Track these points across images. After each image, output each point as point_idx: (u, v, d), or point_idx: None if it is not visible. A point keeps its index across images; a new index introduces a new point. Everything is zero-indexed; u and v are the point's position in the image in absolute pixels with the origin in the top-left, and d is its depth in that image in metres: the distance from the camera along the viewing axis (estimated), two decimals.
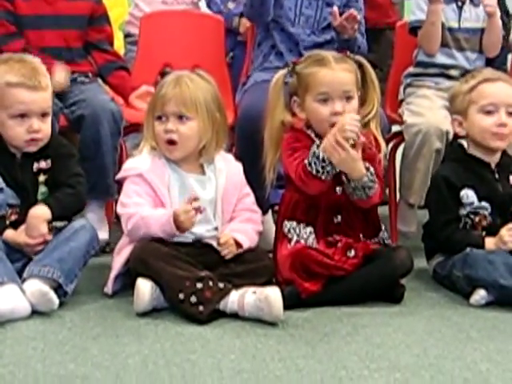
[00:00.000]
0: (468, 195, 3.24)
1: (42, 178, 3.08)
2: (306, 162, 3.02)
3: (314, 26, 3.69)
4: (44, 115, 3.06)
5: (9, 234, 2.97)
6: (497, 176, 3.30)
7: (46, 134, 3.08)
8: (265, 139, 3.20)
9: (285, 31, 3.68)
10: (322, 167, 2.97)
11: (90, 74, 3.59)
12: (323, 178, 3.00)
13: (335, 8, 3.57)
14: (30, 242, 2.93)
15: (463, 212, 3.26)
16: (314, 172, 2.99)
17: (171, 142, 3.07)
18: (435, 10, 3.60)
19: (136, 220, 3.00)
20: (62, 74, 3.43)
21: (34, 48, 3.40)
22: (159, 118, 3.09)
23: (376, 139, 3.20)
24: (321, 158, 2.97)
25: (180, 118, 3.07)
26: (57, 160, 3.10)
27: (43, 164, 3.07)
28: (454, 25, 3.68)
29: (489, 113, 3.24)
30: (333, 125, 3.03)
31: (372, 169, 3.05)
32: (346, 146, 2.93)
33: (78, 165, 3.21)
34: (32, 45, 3.44)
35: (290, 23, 3.67)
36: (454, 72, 3.61)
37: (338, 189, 3.12)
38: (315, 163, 2.98)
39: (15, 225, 3.02)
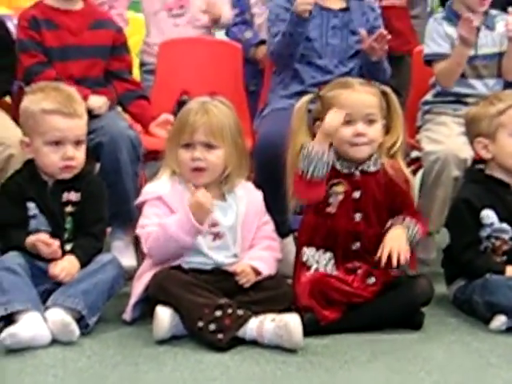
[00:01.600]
0: (489, 215, 3.23)
1: (69, 208, 3.10)
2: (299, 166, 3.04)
3: (341, 55, 3.71)
4: (78, 143, 3.09)
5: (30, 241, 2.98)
6: None
7: (80, 162, 3.10)
8: (287, 164, 3.18)
9: (311, 63, 3.70)
10: (309, 162, 2.98)
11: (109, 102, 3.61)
12: (310, 175, 2.98)
13: (363, 31, 3.60)
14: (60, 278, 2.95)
15: (484, 234, 3.24)
16: (303, 171, 3.00)
17: (199, 169, 3.06)
18: (465, 53, 3.60)
19: (155, 232, 3.01)
20: (99, 99, 3.47)
21: (61, 78, 3.44)
22: (186, 145, 3.09)
23: (401, 172, 3.19)
24: (305, 153, 2.99)
25: (207, 146, 3.07)
26: (87, 197, 3.13)
27: (73, 196, 3.09)
28: (471, 53, 3.67)
29: None
30: (353, 144, 3.07)
31: (412, 228, 3.11)
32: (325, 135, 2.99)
33: (106, 206, 3.24)
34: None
35: (316, 55, 3.70)
36: (471, 99, 3.61)
37: (357, 215, 3.11)
38: (303, 161, 2.99)
39: None
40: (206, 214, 2.94)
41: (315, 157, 2.98)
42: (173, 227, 2.95)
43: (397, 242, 3.01)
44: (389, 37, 3.61)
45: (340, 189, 3.10)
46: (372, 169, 3.12)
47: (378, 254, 3.00)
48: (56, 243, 2.96)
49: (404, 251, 2.98)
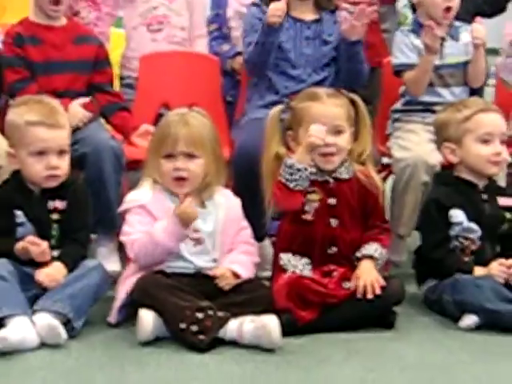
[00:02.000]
0: (457, 215, 3.26)
1: (55, 216, 3.09)
2: (279, 176, 3.06)
3: (314, 64, 3.71)
4: (62, 153, 3.09)
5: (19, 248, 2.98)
6: (485, 197, 3.32)
7: (64, 171, 3.10)
8: (262, 171, 3.22)
9: (285, 73, 3.70)
10: (291, 174, 3.01)
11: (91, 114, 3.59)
12: (292, 186, 3.03)
13: (343, 13, 3.62)
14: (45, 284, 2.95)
15: (452, 233, 3.27)
16: (284, 181, 3.03)
17: (181, 179, 3.10)
18: (430, 60, 3.62)
19: (140, 239, 3.02)
20: (78, 110, 3.46)
21: (43, 92, 3.41)
22: (168, 156, 3.10)
23: (372, 179, 3.22)
24: (288, 164, 3.02)
25: (189, 156, 3.09)
26: (72, 205, 3.13)
27: (58, 204, 3.09)
28: (438, 62, 3.69)
29: (485, 142, 3.27)
30: (323, 155, 3.10)
31: (379, 253, 3.15)
32: (308, 149, 3.02)
33: (91, 214, 3.25)
34: (42, 89, 3.46)
35: (290, 65, 3.70)
36: (439, 107, 3.59)
37: (333, 221, 3.14)
38: (285, 171, 3.03)
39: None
40: (191, 222, 2.96)
41: (298, 170, 3.02)
42: (159, 234, 2.97)
43: (369, 275, 3.04)
44: (369, 10, 3.63)
45: (315, 197, 3.13)
46: (345, 176, 3.16)
47: (352, 288, 3.02)
48: (45, 243, 2.95)
49: (376, 281, 3.02)
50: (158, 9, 4.13)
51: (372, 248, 3.14)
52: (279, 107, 3.27)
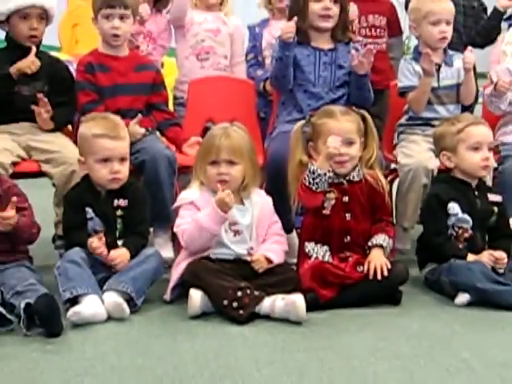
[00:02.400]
0: (454, 207, 3.24)
1: (119, 212, 3.11)
2: (304, 180, 3.06)
3: (331, 84, 3.66)
4: (123, 160, 3.10)
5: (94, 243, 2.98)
6: (476, 194, 3.30)
7: (125, 175, 3.11)
8: (288, 176, 3.21)
9: (307, 91, 3.66)
10: (313, 179, 3.01)
11: (149, 129, 3.60)
12: (314, 188, 3.03)
13: (353, 51, 3.58)
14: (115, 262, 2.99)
15: (449, 222, 3.26)
16: (308, 184, 3.03)
17: (223, 182, 3.08)
18: (428, 82, 3.60)
19: (189, 228, 3.02)
20: (137, 127, 3.44)
21: (109, 111, 3.43)
22: (213, 162, 3.10)
23: (379, 181, 3.21)
24: (311, 170, 3.02)
25: (230, 162, 3.09)
26: (133, 203, 3.15)
27: (121, 202, 3.11)
28: (435, 85, 3.67)
29: (475, 149, 3.25)
30: (339, 162, 3.10)
31: (387, 242, 3.14)
32: (327, 157, 3.01)
33: (149, 210, 3.28)
34: (109, 109, 3.47)
35: (311, 84, 3.65)
36: (436, 122, 3.58)
37: (347, 215, 3.14)
38: (308, 176, 3.03)
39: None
40: (228, 207, 2.94)
41: (319, 175, 3.02)
42: (203, 219, 2.96)
43: (378, 260, 3.04)
44: (374, 51, 3.63)
45: (332, 196, 3.12)
46: (356, 179, 3.16)
47: (365, 271, 3.03)
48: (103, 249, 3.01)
49: (385, 265, 3.02)
50: (205, 41, 4.10)
51: (381, 238, 3.13)
52: (301, 123, 3.26)
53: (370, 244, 3.14)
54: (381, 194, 3.22)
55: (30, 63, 3.39)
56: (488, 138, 3.33)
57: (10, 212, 2.83)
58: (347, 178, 3.16)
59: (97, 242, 2.96)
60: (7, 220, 2.84)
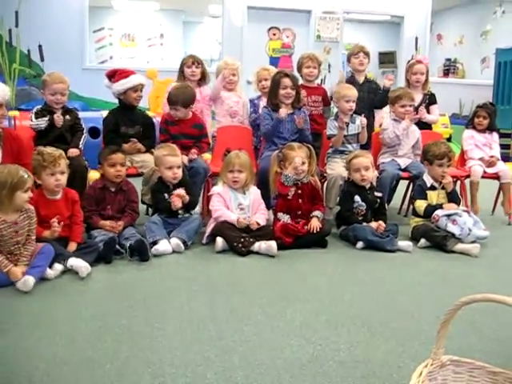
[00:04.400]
0: (356, 198, 3.22)
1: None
2: (281, 180, 3.08)
3: (290, 132, 3.52)
4: (178, 167, 3.07)
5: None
6: (368, 191, 3.25)
7: (180, 176, 3.07)
8: (270, 180, 3.19)
9: (279, 136, 3.52)
10: (285, 178, 3.07)
11: (197, 156, 3.46)
12: (285, 184, 3.07)
13: (297, 119, 3.46)
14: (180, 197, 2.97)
15: (354, 206, 3.22)
16: (282, 181, 3.08)
17: (236, 181, 3.07)
18: (342, 133, 3.48)
19: (219, 212, 3.00)
20: (185, 158, 3.33)
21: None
22: (230, 171, 3.07)
23: (316, 182, 3.21)
24: (285, 174, 3.07)
25: (239, 171, 3.07)
26: (187, 189, 3.08)
27: (181, 191, 3.04)
28: (346, 133, 3.55)
29: (357, 170, 3.21)
30: (298, 172, 3.09)
31: (319, 215, 3.10)
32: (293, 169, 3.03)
33: (196, 193, 3.21)
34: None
35: (280, 132, 3.52)
36: (347, 153, 3.48)
37: (300, 200, 3.12)
38: (283, 177, 3.07)
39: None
40: (242, 225, 2.92)
41: (288, 177, 3.07)
42: (227, 217, 2.96)
43: (315, 223, 3.01)
44: (307, 118, 3.54)
45: (292, 190, 3.10)
46: (305, 181, 3.14)
47: (308, 228, 2.99)
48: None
49: (318, 226, 2.99)
50: (233, 107, 3.90)
51: (317, 212, 3.10)
52: (276, 152, 3.22)
53: (311, 215, 3.09)
54: (317, 190, 3.19)
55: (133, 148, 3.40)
56: (362, 164, 3.19)
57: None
58: (301, 180, 3.13)
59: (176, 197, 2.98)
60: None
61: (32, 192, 2.42)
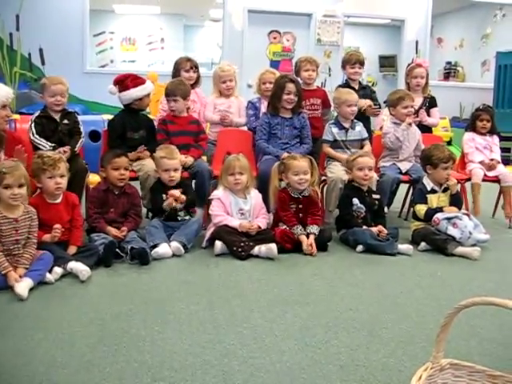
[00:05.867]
0: (355, 201, 3.21)
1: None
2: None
3: (290, 137, 3.52)
4: (176, 170, 3.07)
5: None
6: (366, 194, 3.25)
7: (177, 178, 3.08)
8: (270, 190, 3.17)
9: (277, 142, 3.50)
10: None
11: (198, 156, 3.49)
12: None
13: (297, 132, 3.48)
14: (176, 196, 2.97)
15: (353, 209, 3.22)
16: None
17: (237, 184, 3.06)
18: (342, 160, 3.45)
19: (219, 217, 2.99)
20: (186, 158, 3.34)
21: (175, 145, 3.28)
22: (230, 174, 3.06)
23: (316, 193, 3.22)
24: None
25: (240, 173, 3.06)
26: (186, 190, 3.09)
27: (176, 191, 3.03)
28: (345, 138, 3.56)
29: (361, 169, 3.21)
30: (300, 183, 3.09)
31: (316, 230, 3.04)
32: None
33: (195, 196, 3.19)
34: (174, 143, 3.31)
35: (279, 138, 3.51)
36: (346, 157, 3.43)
37: (300, 215, 3.11)
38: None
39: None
40: (245, 229, 2.91)
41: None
42: (230, 222, 2.96)
43: (311, 242, 2.94)
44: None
45: (293, 206, 3.09)
46: (306, 194, 3.13)
47: (305, 248, 2.93)
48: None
49: (314, 250, 2.92)
50: (227, 112, 3.84)
51: (314, 228, 3.04)
52: (277, 162, 3.18)
53: (308, 231, 3.02)
54: (316, 202, 3.16)
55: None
56: (367, 163, 3.20)
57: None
58: (302, 194, 3.11)
59: (171, 199, 2.96)
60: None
61: (33, 190, 2.41)
